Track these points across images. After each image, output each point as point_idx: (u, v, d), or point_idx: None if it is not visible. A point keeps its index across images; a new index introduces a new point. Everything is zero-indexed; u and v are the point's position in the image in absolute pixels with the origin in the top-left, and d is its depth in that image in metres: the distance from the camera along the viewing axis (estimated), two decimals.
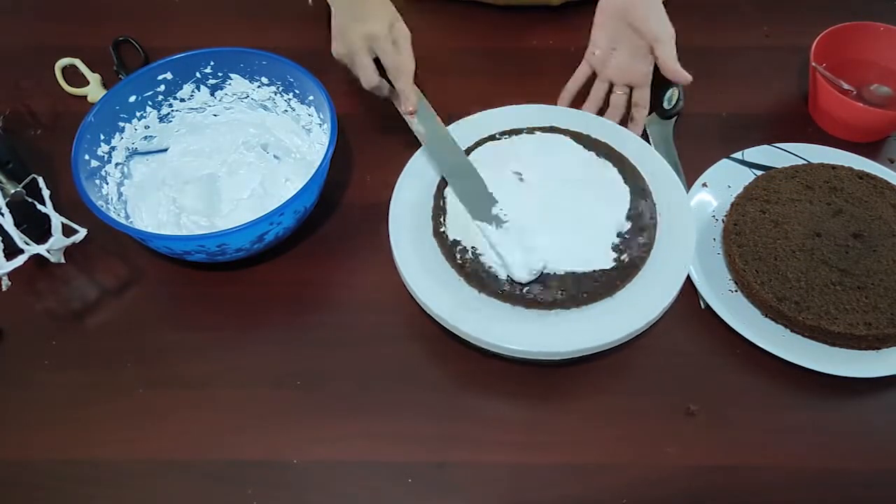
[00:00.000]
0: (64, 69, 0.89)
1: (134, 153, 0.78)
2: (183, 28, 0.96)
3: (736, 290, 0.70)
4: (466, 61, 0.91)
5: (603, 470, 0.62)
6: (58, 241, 0.66)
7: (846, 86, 0.82)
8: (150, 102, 0.78)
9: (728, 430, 0.64)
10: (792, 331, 0.67)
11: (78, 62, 0.89)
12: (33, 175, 0.69)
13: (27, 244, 0.65)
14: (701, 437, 0.63)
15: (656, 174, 0.70)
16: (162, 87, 0.78)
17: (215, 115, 0.81)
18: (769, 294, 0.67)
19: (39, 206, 0.68)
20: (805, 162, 0.78)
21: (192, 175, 0.78)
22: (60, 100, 0.87)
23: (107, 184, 0.73)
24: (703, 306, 0.70)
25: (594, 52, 0.79)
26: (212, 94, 0.80)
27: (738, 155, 0.80)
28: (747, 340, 0.66)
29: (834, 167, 0.76)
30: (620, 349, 0.63)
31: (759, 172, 0.77)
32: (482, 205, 0.67)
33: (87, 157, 0.71)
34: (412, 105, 0.73)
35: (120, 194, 0.75)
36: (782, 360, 0.65)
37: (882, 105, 0.82)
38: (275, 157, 0.80)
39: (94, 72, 0.88)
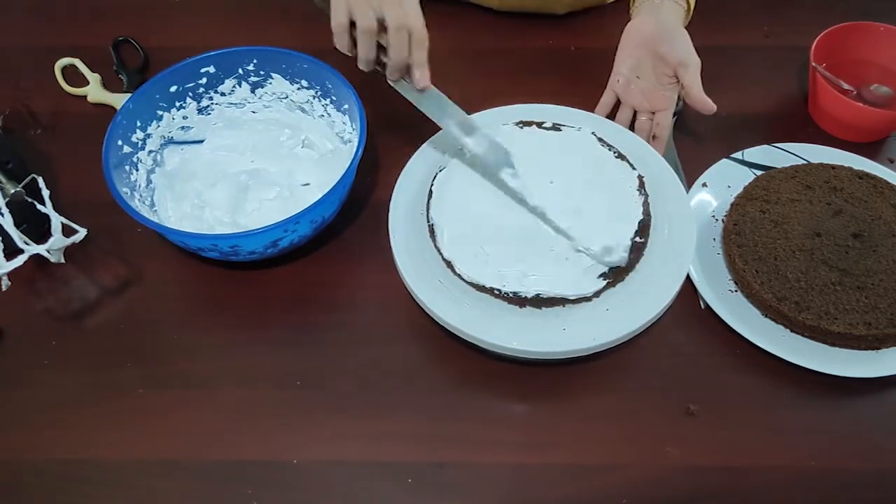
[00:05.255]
0: (64, 69, 0.89)
1: (169, 141, 0.78)
2: (183, 28, 0.96)
3: (736, 290, 0.70)
4: (466, 61, 0.91)
5: (603, 470, 0.62)
6: (58, 241, 0.66)
7: (846, 86, 0.82)
8: (190, 94, 0.78)
9: (728, 430, 0.64)
10: (792, 331, 0.67)
11: (78, 62, 0.89)
12: (33, 175, 0.69)
13: (27, 244, 0.65)
14: (701, 437, 0.63)
15: (656, 174, 0.70)
16: (204, 80, 0.78)
17: (254, 112, 0.82)
18: (769, 294, 0.67)
19: (39, 206, 0.68)
20: (805, 162, 0.78)
21: (222, 170, 0.78)
22: (60, 100, 0.87)
23: (136, 170, 0.73)
24: (703, 306, 0.70)
25: (618, 80, 0.80)
26: (252, 92, 0.80)
27: (738, 155, 0.80)
28: (747, 340, 0.66)
29: (834, 167, 0.76)
30: (620, 349, 0.63)
31: (759, 172, 0.77)
32: (497, 161, 0.67)
33: (119, 142, 0.71)
34: (428, 79, 0.67)
35: (149, 181, 0.75)
36: (782, 360, 0.65)
37: (882, 105, 0.82)
38: (306, 160, 0.79)
39: (94, 72, 0.88)
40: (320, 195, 0.66)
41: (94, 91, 0.87)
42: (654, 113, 0.79)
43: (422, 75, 0.66)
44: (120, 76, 0.89)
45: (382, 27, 0.64)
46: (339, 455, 0.63)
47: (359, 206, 0.77)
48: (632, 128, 0.80)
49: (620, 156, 0.70)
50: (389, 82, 0.68)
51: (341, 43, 0.66)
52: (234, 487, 0.61)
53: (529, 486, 0.61)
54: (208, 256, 0.70)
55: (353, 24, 0.64)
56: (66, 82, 0.88)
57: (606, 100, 0.81)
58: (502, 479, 0.62)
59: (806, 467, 0.62)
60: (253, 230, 0.64)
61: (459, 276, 0.63)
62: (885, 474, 0.62)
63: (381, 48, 0.66)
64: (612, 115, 0.81)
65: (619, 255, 0.63)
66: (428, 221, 0.67)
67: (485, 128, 0.69)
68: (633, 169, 0.69)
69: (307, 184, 0.77)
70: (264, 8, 0.98)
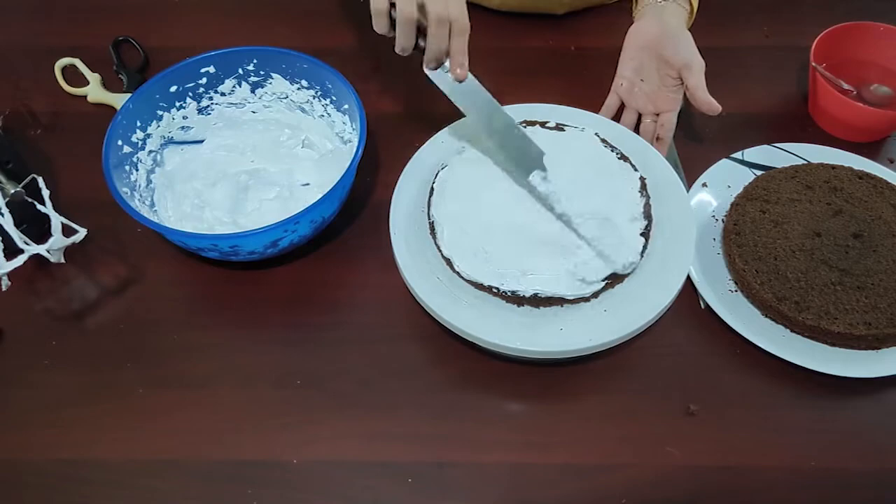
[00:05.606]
0: (64, 69, 0.89)
1: (169, 141, 0.78)
2: (183, 28, 0.96)
3: (736, 290, 0.70)
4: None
5: (603, 470, 0.62)
6: (58, 241, 0.66)
7: (846, 86, 0.82)
8: (190, 94, 0.78)
9: (728, 430, 0.64)
10: (792, 331, 0.67)
11: (78, 62, 0.89)
12: (33, 175, 0.69)
13: (27, 244, 0.65)
14: (701, 437, 0.63)
15: (656, 174, 0.70)
16: (204, 80, 0.78)
17: (254, 112, 0.82)
18: (769, 294, 0.67)
19: (39, 206, 0.68)
20: (805, 162, 0.78)
21: (222, 170, 0.78)
22: (60, 100, 0.87)
23: (136, 170, 0.74)
24: (703, 306, 0.70)
25: (622, 83, 0.80)
26: (252, 92, 0.80)
27: (738, 155, 0.80)
28: (747, 340, 0.66)
29: (834, 167, 0.76)
30: (620, 349, 0.63)
31: (759, 172, 0.77)
32: (530, 163, 0.67)
33: (119, 142, 0.71)
34: (466, 69, 0.66)
35: (149, 181, 0.75)
36: (782, 360, 0.65)
37: (882, 105, 0.82)
38: (306, 160, 0.79)
39: (93, 72, 0.88)
40: (320, 195, 0.66)
41: (94, 91, 0.87)
42: (657, 115, 0.79)
43: (460, 64, 0.66)
44: (120, 76, 0.89)
45: (422, 13, 0.64)
46: (339, 455, 0.63)
47: (359, 206, 0.77)
48: (636, 130, 0.80)
49: (623, 157, 0.70)
50: (425, 71, 0.67)
51: (380, 26, 0.65)
52: (234, 487, 0.61)
53: (529, 486, 0.61)
54: (208, 256, 0.70)
55: (392, 6, 0.64)
56: (66, 82, 0.88)
57: (610, 103, 0.81)
58: (502, 479, 0.62)
59: (806, 467, 0.62)
60: (253, 230, 0.64)
61: (458, 273, 0.63)
62: (885, 474, 0.62)
63: (420, 33, 0.65)
64: (616, 119, 0.81)
65: (631, 263, 0.63)
66: (429, 218, 0.67)
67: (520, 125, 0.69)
68: (636, 171, 0.69)
69: (307, 184, 0.77)
70: (264, 8, 0.98)
